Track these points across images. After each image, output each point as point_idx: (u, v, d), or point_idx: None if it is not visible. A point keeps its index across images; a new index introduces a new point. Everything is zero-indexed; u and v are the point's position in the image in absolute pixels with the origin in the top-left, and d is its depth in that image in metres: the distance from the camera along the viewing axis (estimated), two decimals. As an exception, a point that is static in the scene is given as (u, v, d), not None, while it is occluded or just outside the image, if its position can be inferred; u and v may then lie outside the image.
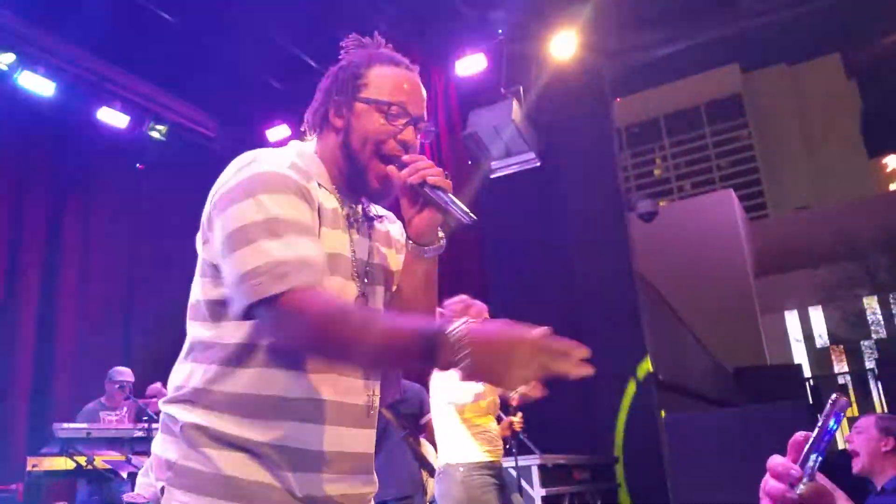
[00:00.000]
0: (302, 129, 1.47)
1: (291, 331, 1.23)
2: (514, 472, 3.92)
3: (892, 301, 22.56)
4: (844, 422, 0.80)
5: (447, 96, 7.02)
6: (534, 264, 6.51)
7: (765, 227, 26.79)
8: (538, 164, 6.68)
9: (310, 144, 1.45)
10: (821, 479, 0.80)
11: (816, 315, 24.47)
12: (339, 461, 1.34)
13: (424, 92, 1.42)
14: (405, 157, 1.37)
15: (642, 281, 7.30)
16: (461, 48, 6.73)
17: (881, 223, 21.22)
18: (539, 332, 1.08)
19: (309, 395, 1.30)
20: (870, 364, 20.15)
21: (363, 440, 1.40)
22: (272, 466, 1.27)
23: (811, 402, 12.00)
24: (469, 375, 1.08)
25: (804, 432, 0.85)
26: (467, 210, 1.34)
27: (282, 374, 1.29)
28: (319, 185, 1.37)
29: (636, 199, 7.39)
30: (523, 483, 4.19)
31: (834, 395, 0.84)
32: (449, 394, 3.36)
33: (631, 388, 6.20)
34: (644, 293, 7.16)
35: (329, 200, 1.37)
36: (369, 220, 1.48)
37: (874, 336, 22.83)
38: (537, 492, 4.28)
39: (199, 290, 1.35)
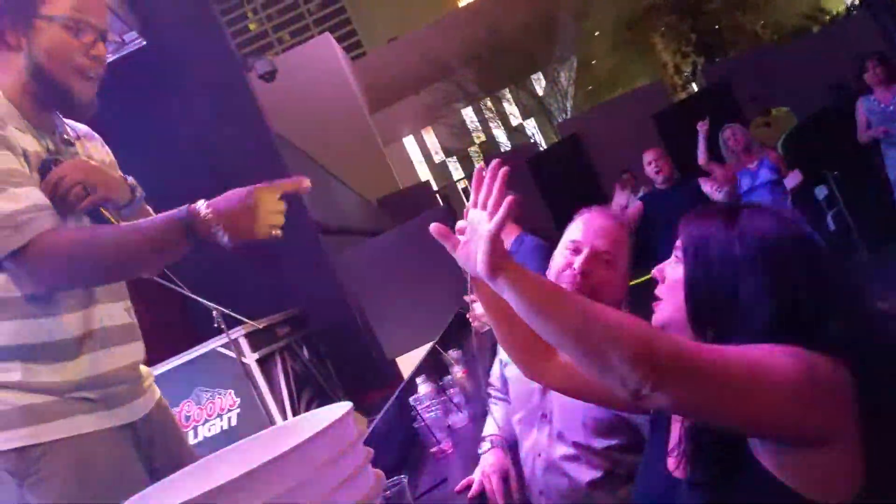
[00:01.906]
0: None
1: (53, 273, 1.27)
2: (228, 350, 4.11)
3: (482, 108, 26.07)
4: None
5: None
6: (170, 152, 6.26)
7: (365, 65, 28.26)
8: (143, 42, 6.23)
9: None
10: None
11: (429, 135, 27.30)
12: (118, 376, 1.45)
13: (103, 1, 1.41)
14: (52, 175, 1.36)
15: (281, 140, 7.51)
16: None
17: (460, 39, 23.89)
18: (264, 185, 1.35)
19: (79, 330, 1.37)
20: (478, 164, 23.37)
21: (130, 353, 1.51)
22: (60, 392, 1.35)
23: (444, 206, 13.92)
24: (230, 240, 1.28)
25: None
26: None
27: (41, 322, 1.33)
28: (15, 127, 1.32)
29: (252, 60, 7.35)
30: (234, 353, 4.41)
31: (478, 165, 1.29)
32: None
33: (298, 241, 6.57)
34: (285, 151, 7.42)
35: (28, 142, 1.35)
36: (69, 144, 1.47)
37: (477, 141, 26.44)
38: (251, 357, 4.54)
39: None
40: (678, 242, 1.14)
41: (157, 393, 1.64)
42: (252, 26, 70.68)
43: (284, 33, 69.04)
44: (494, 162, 1.13)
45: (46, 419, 1.32)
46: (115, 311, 1.49)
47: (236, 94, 6.67)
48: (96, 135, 1.63)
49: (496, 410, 2.04)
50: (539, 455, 1.74)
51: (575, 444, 1.65)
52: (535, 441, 1.75)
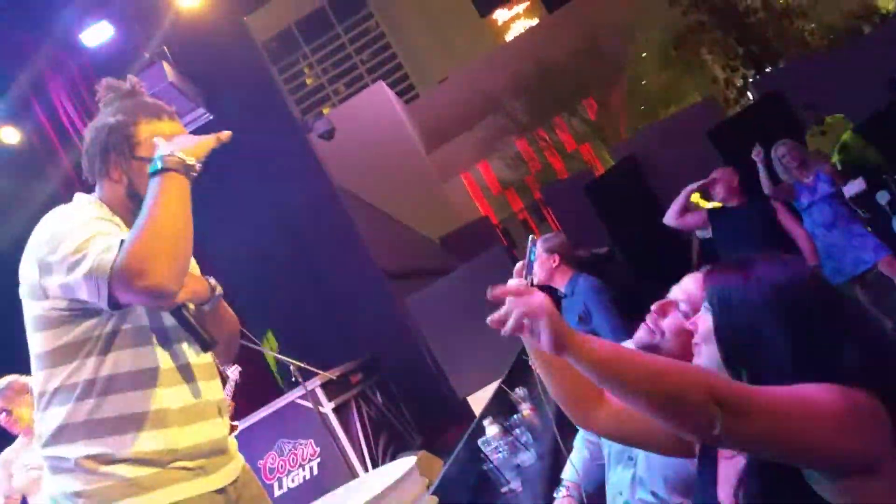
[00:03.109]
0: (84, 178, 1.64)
1: (151, 274, 1.41)
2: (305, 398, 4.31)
3: (536, 137, 26.19)
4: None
5: (86, 76, 6.42)
6: (242, 216, 6.60)
7: (419, 107, 28.87)
8: (210, 117, 6.66)
9: (93, 196, 1.63)
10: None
11: (485, 169, 27.54)
12: (211, 447, 1.65)
13: (186, 133, 1.66)
14: None
15: (344, 192, 7.83)
16: (80, 20, 6.23)
17: (508, 73, 24.20)
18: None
19: (178, 403, 1.58)
20: (536, 195, 23.49)
21: (221, 426, 1.71)
22: (163, 464, 1.55)
23: (505, 243, 14.03)
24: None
25: (521, 262, 1.41)
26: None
27: (140, 393, 1.54)
28: (120, 231, 1.57)
29: (312, 121, 7.73)
30: (312, 403, 4.62)
31: (530, 237, 1.43)
32: None
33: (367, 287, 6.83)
34: (349, 204, 7.73)
35: None
36: None
37: (533, 170, 26.54)
38: (328, 407, 4.75)
39: (42, 343, 1.52)
40: (704, 294, 1.28)
41: (241, 459, 1.84)
42: (309, 81, 73.11)
43: (340, 85, 71.10)
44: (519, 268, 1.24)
45: (154, 488, 1.52)
46: (210, 386, 1.70)
47: (300, 156, 7.03)
48: None
49: (578, 454, 2.10)
50: (620, 493, 1.84)
51: (654, 494, 1.74)
52: (619, 479, 1.85)
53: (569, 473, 2.06)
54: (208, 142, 1.59)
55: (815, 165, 4.83)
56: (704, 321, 1.26)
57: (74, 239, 1.46)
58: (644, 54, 23.37)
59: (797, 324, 1.14)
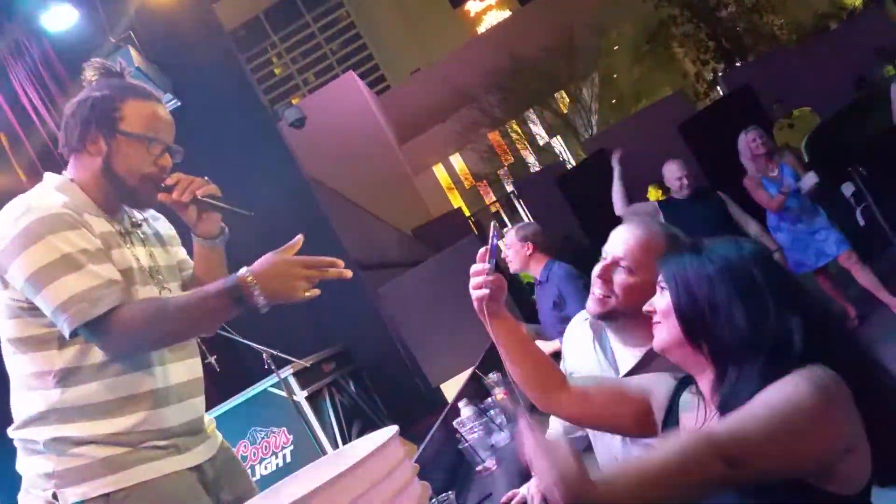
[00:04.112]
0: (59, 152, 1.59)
1: (125, 343, 1.46)
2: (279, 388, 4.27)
3: (509, 131, 26.26)
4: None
5: (47, 59, 6.19)
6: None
7: (391, 98, 28.70)
8: (178, 103, 6.55)
9: (64, 175, 1.58)
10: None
11: (457, 161, 27.54)
12: (184, 427, 1.63)
13: (172, 119, 1.62)
14: (168, 180, 1.59)
15: (315, 183, 7.77)
16: (42, 3, 6.05)
17: (481, 66, 24.15)
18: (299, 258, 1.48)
19: (150, 388, 1.55)
20: (509, 188, 23.60)
21: (197, 406, 1.70)
22: (134, 444, 1.53)
23: (476, 234, 14.06)
24: (268, 303, 1.44)
25: (484, 247, 1.45)
26: (240, 208, 1.62)
27: (120, 379, 1.52)
28: (90, 214, 1.53)
29: (282, 109, 7.66)
30: (285, 392, 4.59)
31: (493, 223, 1.46)
32: None
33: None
34: (320, 194, 7.67)
35: (101, 225, 1.56)
36: (137, 226, 1.68)
37: (505, 163, 26.62)
38: (301, 395, 4.73)
39: (8, 331, 1.47)
40: (660, 277, 1.32)
41: (220, 437, 1.82)
42: (277, 71, 72.23)
43: (309, 74, 70.40)
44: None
45: (125, 467, 1.51)
46: (185, 367, 1.68)
47: (269, 145, 6.95)
48: (160, 215, 1.84)
49: (552, 430, 2.13)
50: (616, 458, 1.83)
51: (646, 447, 1.73)
52: (610, 445, 1.86)
53: None
54: (302, 288, 1.45)
55: (780, 158, 4.92)
56: (662, 299, 1.30)
57: (46, 257, 1.41)
58: (616, 48, 23.52)
59: (750, 296, 1.18)
